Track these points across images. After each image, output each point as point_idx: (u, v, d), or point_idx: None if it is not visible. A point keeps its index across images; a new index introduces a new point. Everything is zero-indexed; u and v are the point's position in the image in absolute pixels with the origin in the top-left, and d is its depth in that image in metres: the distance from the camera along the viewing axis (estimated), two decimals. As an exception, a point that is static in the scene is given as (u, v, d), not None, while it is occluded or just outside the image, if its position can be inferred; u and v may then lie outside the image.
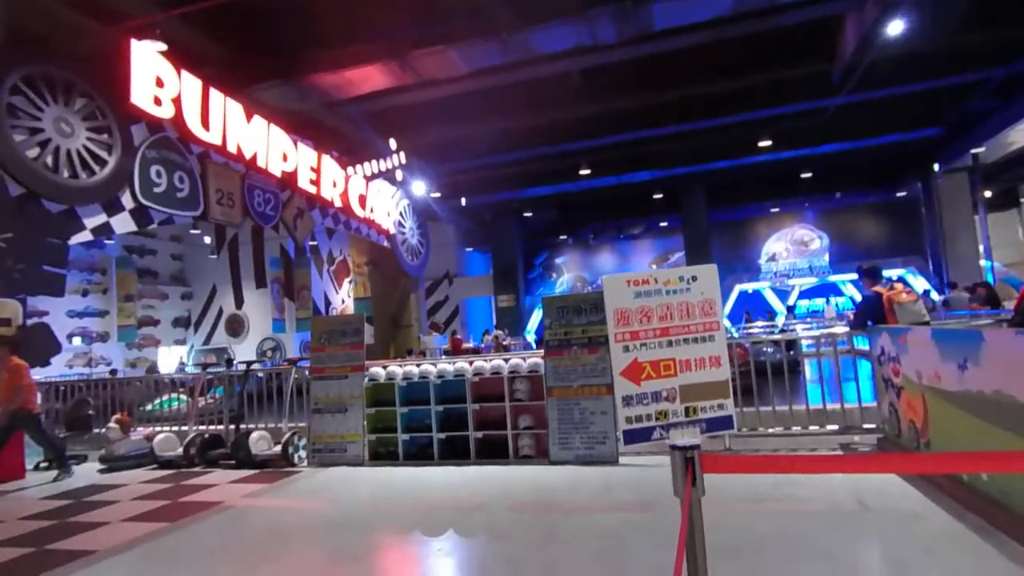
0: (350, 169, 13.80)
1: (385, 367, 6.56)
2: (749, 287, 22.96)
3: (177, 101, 9.37)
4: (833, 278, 22.14)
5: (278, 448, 6.46)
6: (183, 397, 9.36)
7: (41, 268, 7.96)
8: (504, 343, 15.50)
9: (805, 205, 23.27)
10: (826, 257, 22.94)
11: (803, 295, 22.49)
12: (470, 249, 24.87)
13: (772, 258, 23.82)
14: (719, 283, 2.12)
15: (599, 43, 9.90)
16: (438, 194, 18.00)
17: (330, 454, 6.37)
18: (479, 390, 6.18)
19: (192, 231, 20.89)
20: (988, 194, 19.11)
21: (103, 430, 7.81)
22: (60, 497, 5.75)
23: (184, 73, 9.47)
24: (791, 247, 23.68)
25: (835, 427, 5.85)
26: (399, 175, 15.04)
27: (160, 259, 23.81)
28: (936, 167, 18.83)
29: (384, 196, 15.28)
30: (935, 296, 16.05)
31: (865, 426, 5.68)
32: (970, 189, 18.60)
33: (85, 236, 8.62)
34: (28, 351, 7.70)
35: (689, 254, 22.01)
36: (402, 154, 14.54)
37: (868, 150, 18.01)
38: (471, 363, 6.28)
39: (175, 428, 7.83)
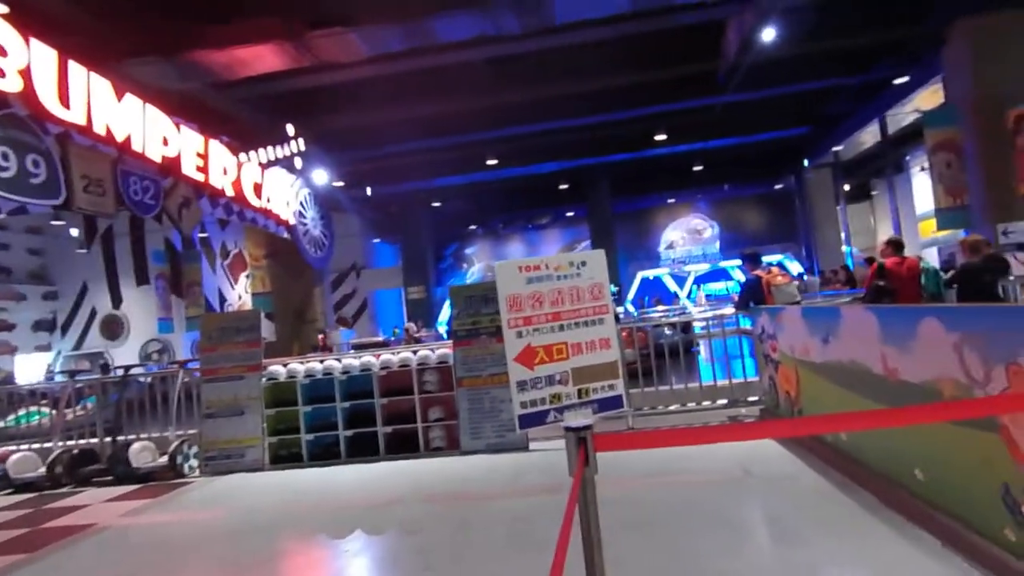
0: (243, 156, 12.84)
1: (286, 364, 6.22)
2: (650, 273, 24.21)
3: (26, 73, 8.22)
4: (723, 264, 23.86)
5: (164, 459, 5.93)
6: (45, 411, 8.33)
7: None
8: (416, 335, 15.28)
9: (698, 196, 24.85)
10: (717, 244, 24.65)
11: (698, 280, 24.04)
12: (378, 240, 24.19)
13: (670, 246, 25.25)
14: (608, 268, 2.21)
15: (503, 34, 9.91)
16: (342, 183, 17.28)
17: (226, 460, 5.94)
18: (387, 384, 6.02)
19: (54, 222, 18.62)
20: (847, 187, 21.44)
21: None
22: None
23: (34, 41, 8.32)
24: (686, 235, 25.21)
25: (724, 401, 6.31)
26: (298, 163, 14.24)
27: (14, 254, 21.01)
28: (806, 163, 20.83)
29: (282, 185, 14.41)
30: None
31: (749, 399, 6.17)
32: (833, 183, 20.80)
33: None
34: None
35: (594, 242, 22.80)
36: (301, 140, 13.76)
37: (751, 145, 19.56)
38: (378, 356, 6.10)
39: (35, 446, 6.96)
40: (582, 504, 1.69)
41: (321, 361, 6.15)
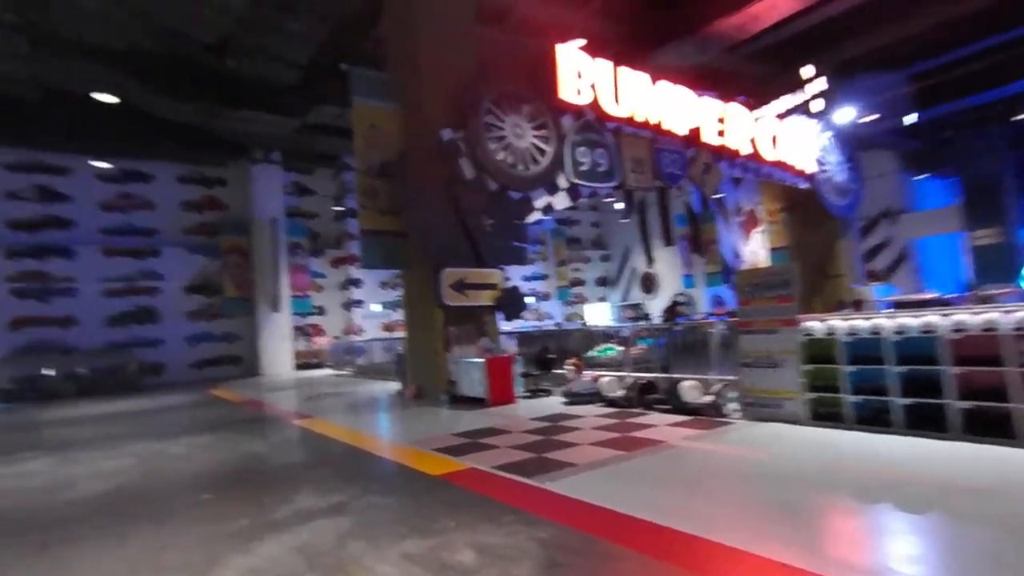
0: (758, 112, 12.92)
1: (823, 320, 5.94)
2: None
3: (593, 87, 10.56)
4: None
5: (708, 398, 6.69)
6: (616, 347, 10.71)
7: (512, 243, 10.32)
8: (985, 293, 11.98)
9: None
10: None
11: None
12: (920, 176, 19.90)
13: None
14: None
15: None
16: (873, 116, 14.94)
17: (763, 408, 6.22)
18: (962, 349, 4.93)
19: (606, 199, 23.50)
20: None
21: (562, 370, 9.64)
22: (541, 420, 7.27)
23: (598, 60, 10.55)
24: None
25: None
26: (817, 105, 13.21)
27: (582, 228, 27.81)
28: None
29: (800, 133, 13.74)
30: None
31: None
32: None
33: (536, 215, 10.72)
34: (506, 309, 10.18)
35: None
36: (820, 80, 12.68)
37: None
38: (946, 315, 5.05)
39: (613, 374, 9.00)
40: None
41: (867, 319, 5.57)
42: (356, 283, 21.58)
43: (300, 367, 19.94)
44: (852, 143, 15.41)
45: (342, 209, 21.64)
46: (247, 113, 15.27)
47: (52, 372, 15.94)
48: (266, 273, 19.11)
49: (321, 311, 21.57)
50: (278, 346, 19.34)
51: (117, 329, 17.91)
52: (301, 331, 20.81)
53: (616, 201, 23.36)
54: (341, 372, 17.70)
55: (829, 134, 14.76)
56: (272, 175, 19.73)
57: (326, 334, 21.45)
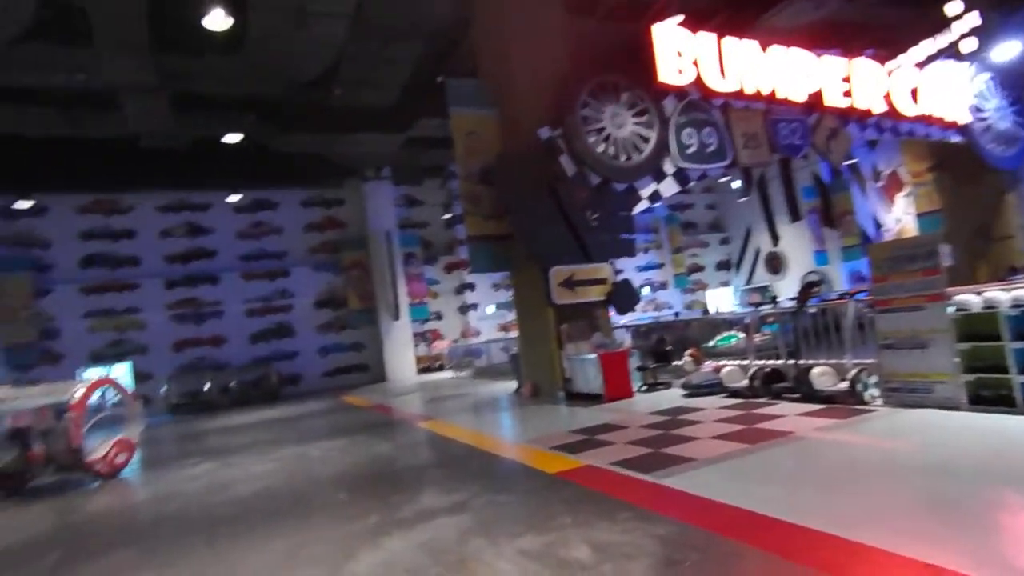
0: (892, 63, 11.46)
1: (980, 292, 5.18)
2: None
3: (696, 64, 10.01)
4: None
5: (843, 384, 6.10)
6: (738, 334, 10.08)
7: (619, 236, 10.12)
8: None
9: None
10: None
11: None
12: None
13: None
14: None
15: None
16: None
17: (910, 394, 5.55)
18: None
19: (721, 179, 22.15)
20: None
21: (681, 362, 9.28)
22: (659, 413, 7.06)
23: (699, 34, 9.98)
24: None
25: None
26: (969, 45, 11.40)
27: (697, 211, 26.45)
28: None
29: (948, 79, 12.00)
30: None
31: None
32: None
33: (643, 205, 10.40)
34: (618, 302, 9.98)
35: None
36: (972, 16, 10.93)
37: None
38: None
39: (736, 362, 8.49)
40: None
41: (1037, 287, 4.77)
42: (470, 287, 22.32)
43: (422, 371, 21.02)
44: (1019, 83, 13.17)
45: (451, 216, 22.55)
46: (355, 136, 16.45)
47: (208, 387, 18.34)
48: (385, 284, 20.42)
49: (439, 316, 22.61)
50: (401, 352, 20.54)
51: (259, 345, 20.18)
52: (421, 337, 21.94)
53: (732, 180, 21.96)
54: (460, 374, 18.41)
55: (986, 76, 12.73)
56: (384, 190, 21.05)
57: (444, 338, 22.44)
